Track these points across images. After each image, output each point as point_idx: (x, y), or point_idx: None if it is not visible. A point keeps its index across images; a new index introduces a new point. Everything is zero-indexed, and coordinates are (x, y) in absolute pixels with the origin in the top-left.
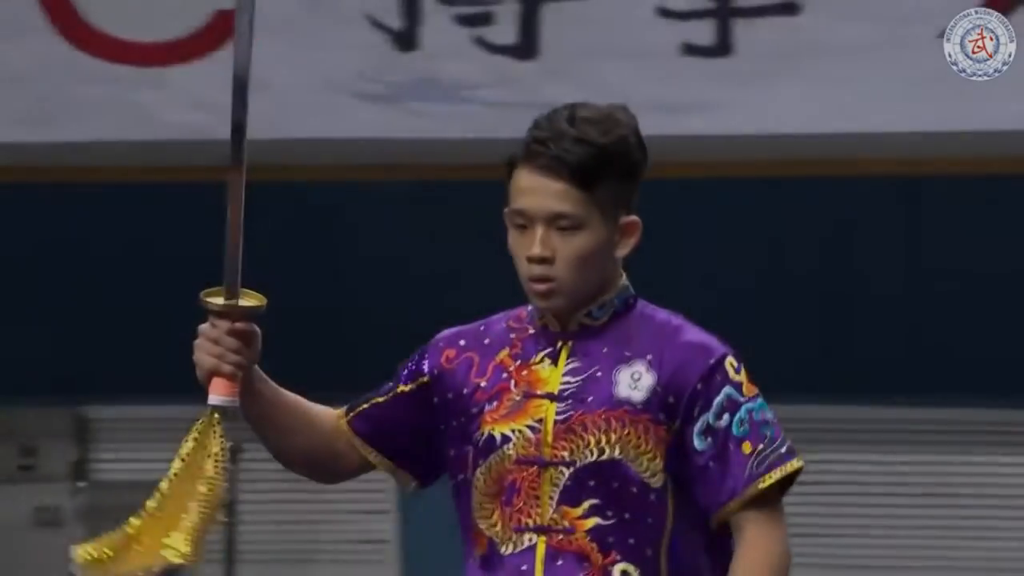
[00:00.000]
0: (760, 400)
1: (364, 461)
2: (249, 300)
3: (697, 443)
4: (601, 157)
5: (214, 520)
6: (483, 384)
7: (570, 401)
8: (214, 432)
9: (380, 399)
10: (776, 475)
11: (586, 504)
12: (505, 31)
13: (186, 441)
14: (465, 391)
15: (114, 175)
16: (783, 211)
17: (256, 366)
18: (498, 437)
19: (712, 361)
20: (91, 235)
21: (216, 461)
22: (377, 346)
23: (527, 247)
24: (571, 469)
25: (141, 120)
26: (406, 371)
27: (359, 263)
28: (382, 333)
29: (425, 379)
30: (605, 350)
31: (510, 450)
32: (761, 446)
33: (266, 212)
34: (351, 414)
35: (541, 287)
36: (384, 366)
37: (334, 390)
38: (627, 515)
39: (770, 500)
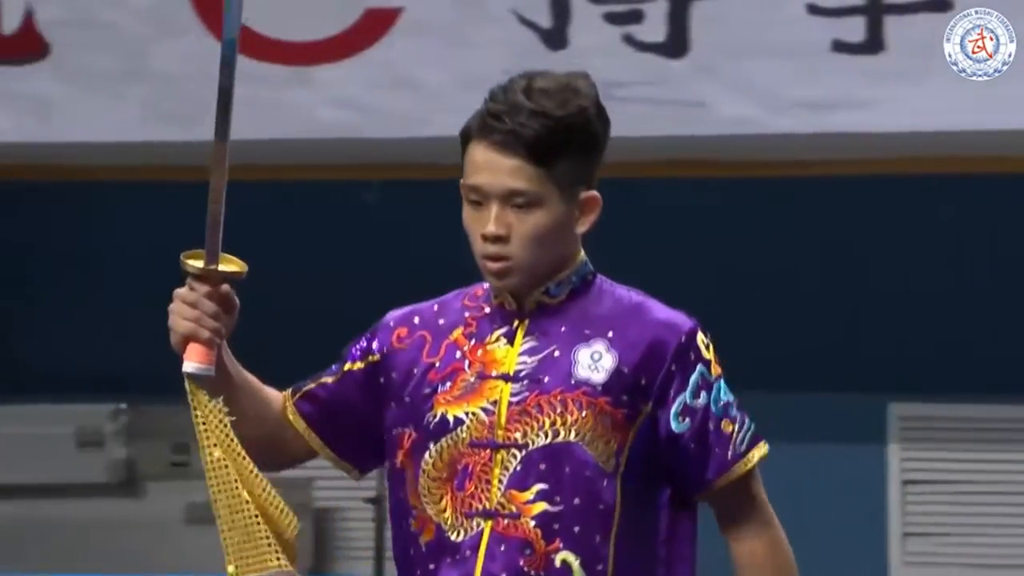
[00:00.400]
0: (723, 380)
1: (308, 448)
2: (230, 265)
3: (675, 425)
4: (558, 131)
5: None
6: (436, 364)
7: (526, 382)
8: (200, 403)
9: (328, 379)
10: (755, 455)
11: (535, 488)
12: (654, 28)
13: (200, 429)
14: (416, 370)
15: (263, 173)
16: (933, 206)
17: (224, 342)
18: (451, 419)
19: (683, 339)
20: (241, 233)
21: (222, 425)
22: None
23: (482, 224)
24: (523, 452)
25: (290, 118)
26: (356, 349)
27: None
28: None
29: (375, 357)
30: (563, 329)
31: (463, 433)
32: (736, 426)
33: (416, 209)
34: (296, 396)
35: (496, 265)
36: None
37: None
38: (577, 500)
39: (752, 481)
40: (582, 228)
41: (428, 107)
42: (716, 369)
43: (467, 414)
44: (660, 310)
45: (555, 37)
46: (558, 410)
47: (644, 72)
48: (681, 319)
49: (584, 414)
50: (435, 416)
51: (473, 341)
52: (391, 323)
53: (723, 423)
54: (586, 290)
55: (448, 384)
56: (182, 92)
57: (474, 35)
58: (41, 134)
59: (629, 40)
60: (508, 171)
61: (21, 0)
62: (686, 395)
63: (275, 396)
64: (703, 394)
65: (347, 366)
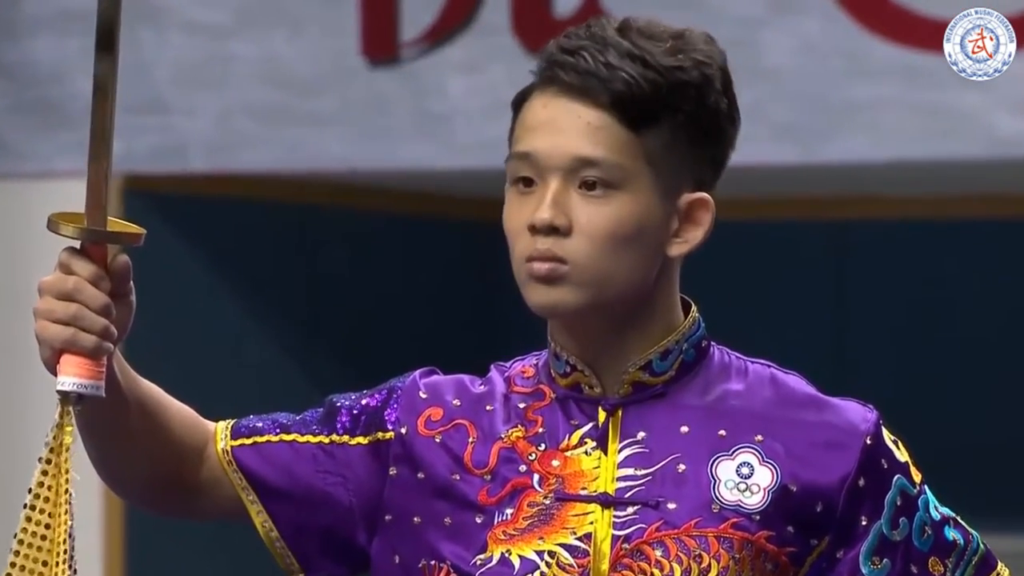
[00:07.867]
0: (927, 487)
1: (236, 506)
2: (123, 227)
3: (865, 570)
4: (662, 84)
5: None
6: (487, 478)
7: (638, 508)
8: (63, 434)
9: (300, 437)
10: None
11: None
12: None
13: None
14: (457, 479)
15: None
16: None
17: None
18: (517, 563)
19: (868, 440)
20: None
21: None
22: None
23: (530, 212)
24: None
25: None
26: (359, 411)
27: None
28: None
29: (387, 435)
30: (687, 429)
31: None
32: (953, 559)
33: None
34: (238, 440)
35: (544, 267)
36: None
37: None
38: None
39: None
40: (680, 249)
41: None
42: (916, 474)
43: (543, 554)
44: (821, 397)
45: None
46: (695, 553)
47: None
48: (855, 409)
49: (738, 557)
50: (490, 557)
51: (543, 446)
52: (420, 393)
53: (931, 562)
54: (701, 364)
55: (509, 511)
56: None
57: None
58: None
59: None
60: (582, 129)
61: None
62: (882, 525)
63: (187, 417)
64: (902, 521)
65: (337, 438)
